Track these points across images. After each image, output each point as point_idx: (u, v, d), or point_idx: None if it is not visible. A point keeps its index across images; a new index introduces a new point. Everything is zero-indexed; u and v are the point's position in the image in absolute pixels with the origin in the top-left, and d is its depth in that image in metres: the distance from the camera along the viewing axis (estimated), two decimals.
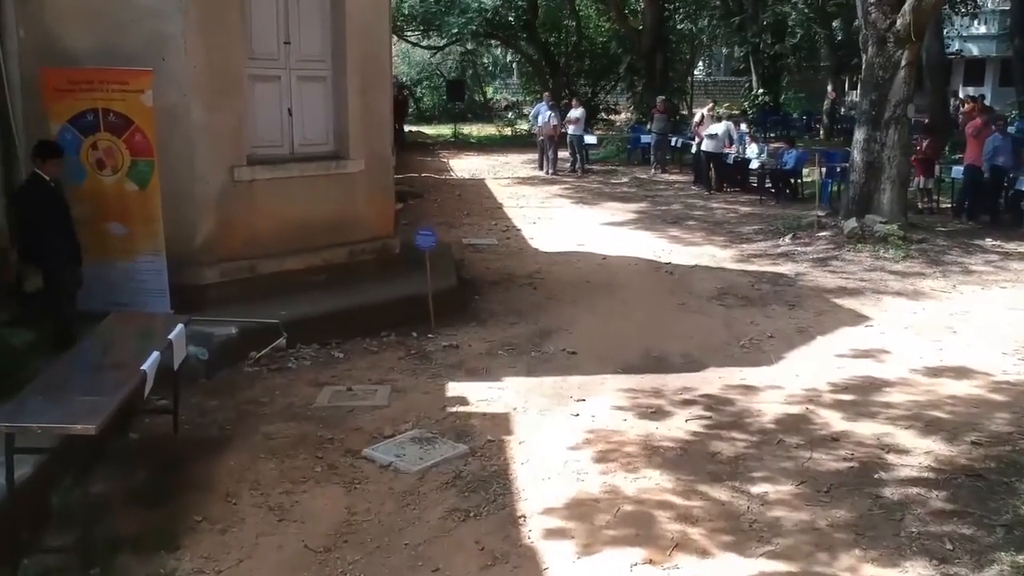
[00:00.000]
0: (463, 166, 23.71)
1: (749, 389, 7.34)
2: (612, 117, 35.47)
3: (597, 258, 12.43)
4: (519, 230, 14.48)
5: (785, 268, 11.75)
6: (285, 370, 7.68)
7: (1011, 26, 31.03)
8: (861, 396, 7.21)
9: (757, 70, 34.14)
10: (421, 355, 8.15)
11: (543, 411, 6.89)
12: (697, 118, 19.61)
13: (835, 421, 6.68)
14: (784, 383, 7.49)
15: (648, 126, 24.68)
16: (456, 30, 28.32)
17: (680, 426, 6.57)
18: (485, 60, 46.05)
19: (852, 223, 12.79)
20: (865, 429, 6.52)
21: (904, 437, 6.38)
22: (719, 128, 18.38)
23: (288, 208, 8.65)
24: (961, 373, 7.76)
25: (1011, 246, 12.89)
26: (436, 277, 9.29)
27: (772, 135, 25.28)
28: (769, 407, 6.95)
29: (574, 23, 33.05)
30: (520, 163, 24.41)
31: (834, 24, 32.55)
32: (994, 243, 13.00)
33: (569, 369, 7.86)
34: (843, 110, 32.78)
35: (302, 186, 8.77)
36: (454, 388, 7.34)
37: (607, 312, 9.70)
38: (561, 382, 7.52)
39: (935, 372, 7.79)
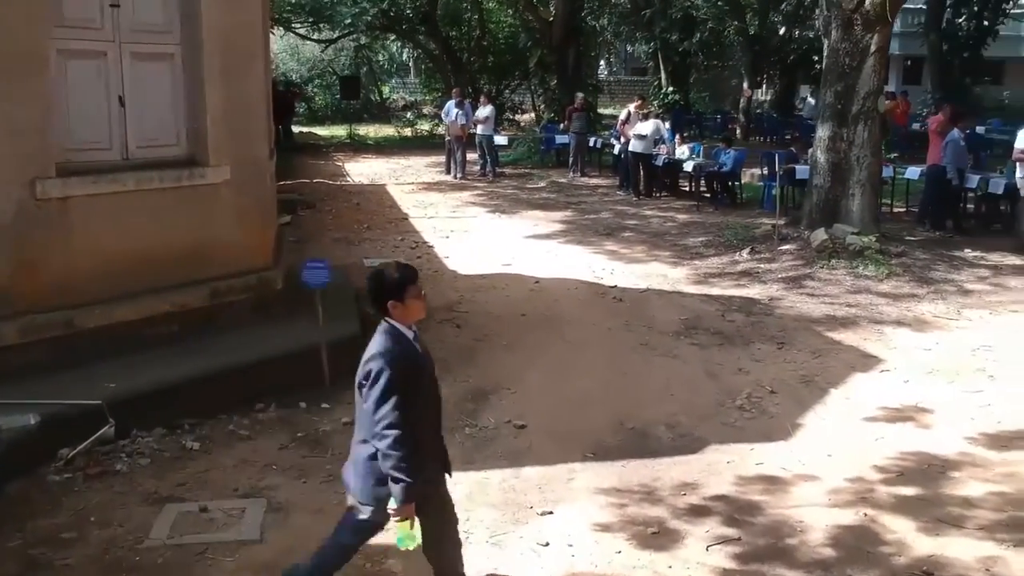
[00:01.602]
0: (361, 170, 21.26)
1: (774, 483, 5.29)
2: (518, 117, 33.54)
3: (528, 282, 10.29)
4: (431, 247, 12.22)
5: (754, 291, 9.84)
6: (112, 475, 5.27)
7: (925, 24, 30.34)
8: (927, 488, 5.25)
9: (666, 68, 32.67)
10: (313, 440, 5.85)
11: (495, 537, 4.71)
12: (623, 116, 17.67)
13: (912, 537, 4.69)
14: (816, 469, 5.48)
15: (561, 125, 22.81)
16: (349, 21, 25.80)
17: (701, 559, 4.46)
18: (381, 57, 43.56)
19: (821, 235, 10.98)
20: (960, 549, 4.54)
21: (1019, 561, 4.43)
22: (648, 127, 16.47)
23: (120, 236, 6.23)
24: None
25: (995, 258, 11.30)
26: (333, 321, 7.01)
27: (685, 135, 23.64)
28: (812, 514, 4.92)
29: (476, 16, 30.92)
30: (424, 166, 22.10)
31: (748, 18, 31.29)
32: (975, 254, 11.39)
33: (521, 455, 5.68)
34: (759, 109, 31.57)
35: (141, 204, 6.35)
36: None
37: (556, 360, 7.56)
38: (513, 478, 5.35)
39: (1000, 442, 5.91)
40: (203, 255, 6.64)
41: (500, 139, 21.24)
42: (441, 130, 21.36)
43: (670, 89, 31.73)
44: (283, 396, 6.32)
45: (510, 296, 9.64)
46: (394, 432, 3.48)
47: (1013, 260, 11.16)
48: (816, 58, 36.51)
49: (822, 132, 11.64)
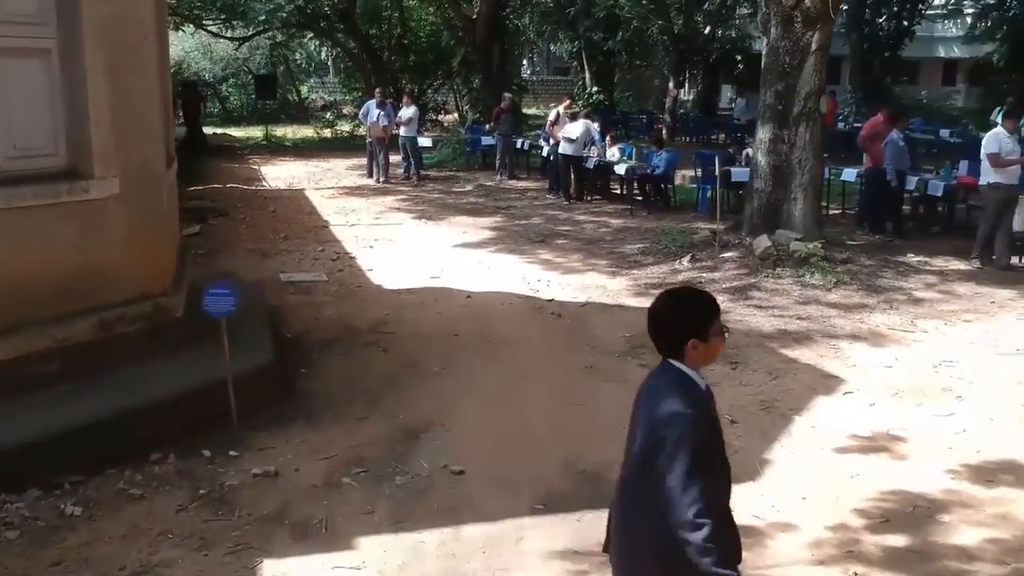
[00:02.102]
0: (278, 174, 20.25)
1: (749, 534, 4.65)
2: (441, 117, 32.74)
3: (460, 296, 9.57)
4: (353, 258, 11.39)
5: None
6: None
7: (847, 24, 30.51)
8: (916, 536, 4.70)
9: (590, 67, 32.30)
10: (217, 498, 5.02)
11: None
12: (552, 117, 17.06)
13: None
14: (793, 515, 4.89)
15: (488, 126, 22.14)
16: (263, 18, 24.65)
17: None
18: (299, 56, 42.30)
19: (764, 241, 10.50)
20: None
21: None
22: (578, 128, 15.89)
23: None
24: (1017, 472, 5.43)
25: (938, 262, 11.00)
26: (242, 349, 6.20)
27: (614, 134, 23.17)
28: (796, 574, 4.31)
29: (397, 14, 30.01)
30: (345, 169, 21.18)
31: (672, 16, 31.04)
32: (919, 259, 11.07)
33: (460, 510, 4.96)
34: (682, 109, 31.35)
35: (13, 225, 5.44)
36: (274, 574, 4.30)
37: (494, 388, 6.86)
38: (452, 540, 4.63)
39: (984, 475, 5.41)
40: (88, 281, 5.75)
41: (424, 141, 20.46)
42: (362, 131, 20.45)
43: (595, 89, 31.37)
44: (183, 443, 5.48)
45: (441, 313, 8.91)
46: (707, 521, 2.64)
47: (957, 265, 10.87)
48: (739, 58, 36.83)
49: (762, 134, 11.17)
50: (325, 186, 18.31)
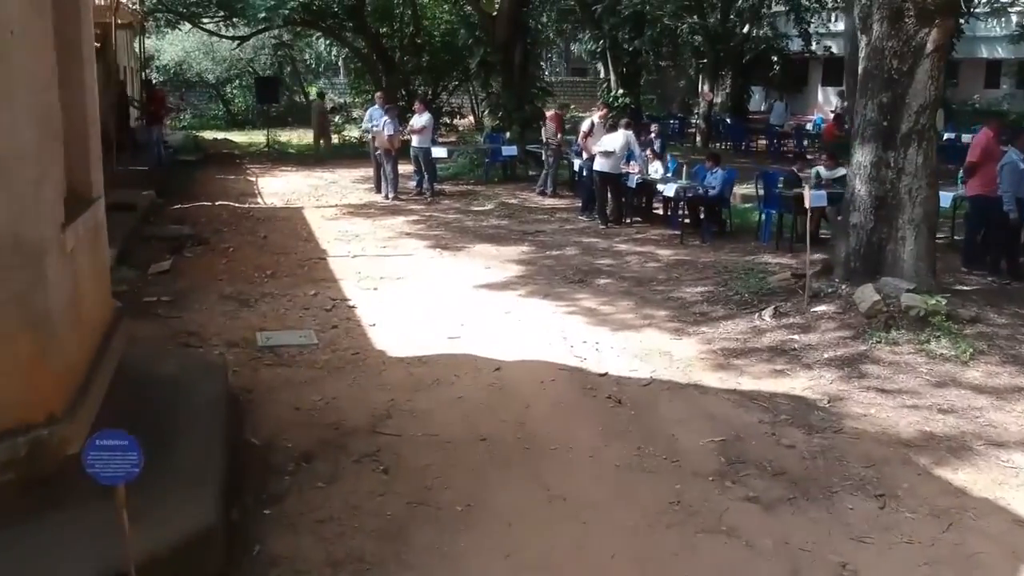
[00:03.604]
0: (276, 188, 18.16)
1: None
2: (456, 121, 30.63)
3: (486, 368, 7.41)
4: (352, 307, 9.25)
5: (800, 383, 7.10)
6: None
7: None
8: None
9: (615, 68, 30.01)
10: None
11: None
12: (585, 127, 14.86)
13: None
14: None
15: (507, 135, 20.03)
16: (264, 15, 22.53)
17: None
18: (307, 56, 40.24)
19: (871, 294, 8.30)
20: None
21: None
22: (617, 141, 13.70)
23: None
24: None
25: None
26: (167, 505, 4.08)
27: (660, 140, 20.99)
28: None
29: (410, 11, 27.88)
30: (351, 182, 19.11)
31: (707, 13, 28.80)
32: None
33: None
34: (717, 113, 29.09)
35: None
36: None
37: (543, 548, 4.69)
38: None
39: None
40: None
41: (439, 151, 18.33)
42: (367, 139, 18.33)
43: (620, 91, 29.09)
44: None
45: (463, 398, 6.74)
46: None
47: None
48: (775, 59, 34.54)
49: (861, 156, 8.96)
50: (327, 203, 16.21)
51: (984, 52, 39.34)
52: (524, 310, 9.24)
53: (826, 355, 7.63)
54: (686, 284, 10.26)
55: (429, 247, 12.49)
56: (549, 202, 16.49)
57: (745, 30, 28.90)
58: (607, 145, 13.67)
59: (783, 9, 31.17)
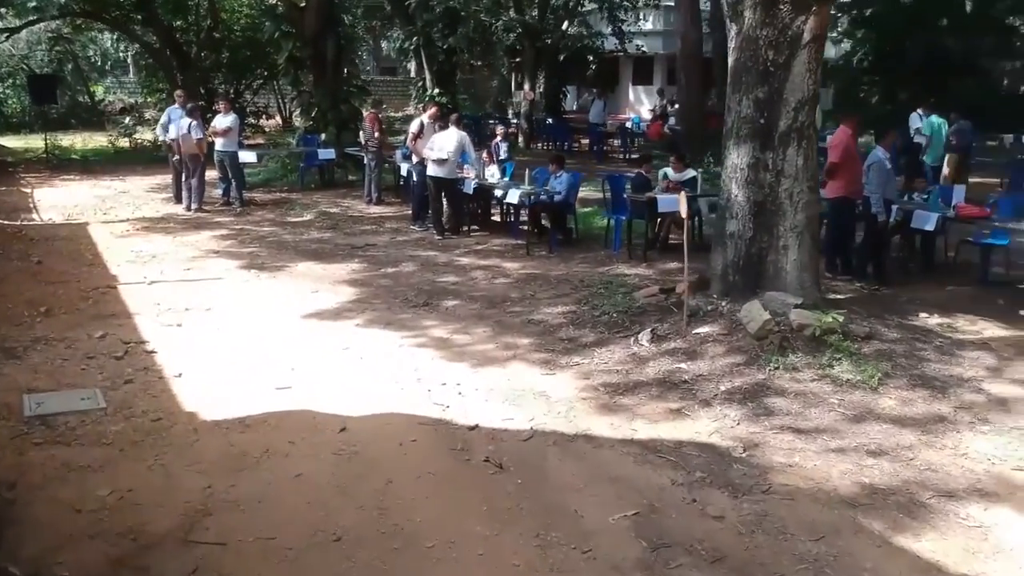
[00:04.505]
0: (56, 200, 15.74)
1: None
2: (263, 122, 28.50)
3: (328, 428, 5.95)
4: (151, 352, 7.50)
5: (703, 423, 6.07)
6: None
7: (711, 21, 28.27)
8: None
9: (430, 66, 28.73)
10: None
11: None
12: (414, 128, 13.46)
13: None
14: None
15: (322, 137, 18.38)
16: (34, 4, 19.73)
17: None
18: (91, 52, 36.57)
19: (759, 312, 7.40)
20: None
21: None
22: (450, 142, 12.40)
23: None
24: None
25: (964, 323, 8.34)
26: None
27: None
28: None
29: (206, 3, 25.52)
30: (145, 192, 16.93)
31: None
32: (940, 321, 8.36)
33: None
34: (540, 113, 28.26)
35: None
36: None
37: None
38: None
39: None
40: None
41: (247, 156, 16.49)
42: (165, 143, 16.22)
43: (436, 91, 27.81)
44: None
45: (303, 476, 5.26)
46: None
47: (994, 329, 8.17)
48: (591, 57, 34.28)
49: (737, 158, 8.07)
50: (117, 217, 14.09)
51: None
52: (365, 344, 7.80)
53: (723, 387, 6.64)
54: (544, 303, 9.11)
55: (243, 268, 10.77)
56: (375, 210, 15.03)
57: (564, 26, 28.27)
58: (440, 149, 12.33)
59: (595, 7, 30.87)
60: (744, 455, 5.58)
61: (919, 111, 16.19)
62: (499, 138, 15.80)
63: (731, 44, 8.24)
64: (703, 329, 7.64)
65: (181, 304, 8.99)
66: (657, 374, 6.98)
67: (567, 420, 6.17)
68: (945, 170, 14.88)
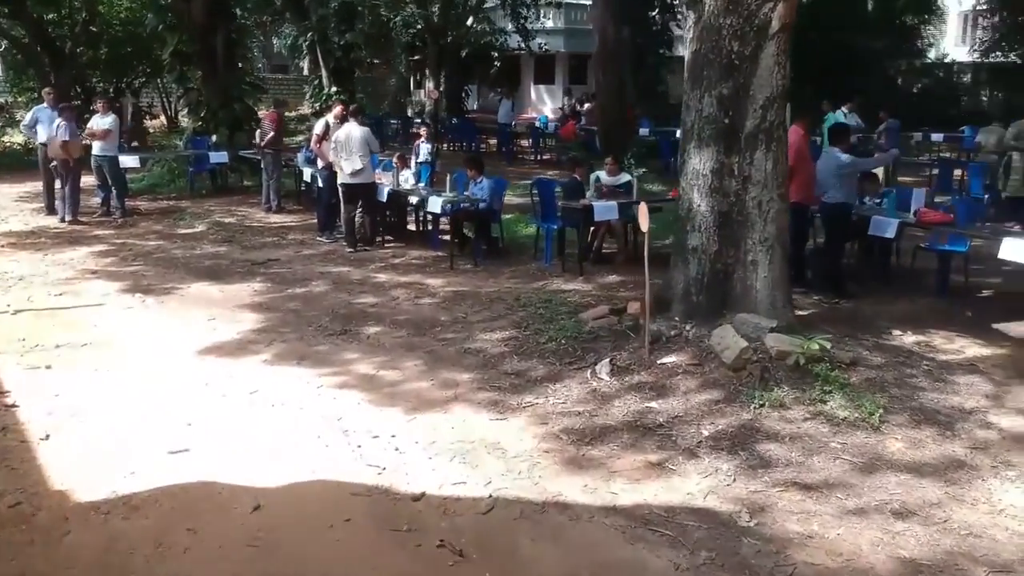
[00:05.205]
0: None
1: None
2: (146, 123, 26.53)
3: (239, 506, 4.76)
4: (12, 407, 6.13)
5: (693, 481, 5.11)
6: None
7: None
8: None
9: (326, 64, 27.28)
10: None
11: None
12: (319, 129, 12.18)
13: None
14: None
15: (212, 139, 16.87)
16: None
17: None
18: None
19: (734, 339, 6.51)
20: None
21: None
22: (354, 141, 11.13)
23: None
24: None
25: (939, 341, 7.63)
26: None
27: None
28: None
29: None
30: (13, 201, 15.16)
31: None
32: (916, 339, 7.63)
33: None
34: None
35: None
36: None
37: None
38: None
39: None
40: None
41: (129, 160, 14.89)
42: (33, 145, 14.52)
43: (334, 89, 26.41)
44: None
45: None
46: None
47: (975, 348, 7.48)
48: (495, 55, 33.31)
49: (699, 162, 7.16)
50: None
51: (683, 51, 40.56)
52: (276, 386, 6.58)
53: (705, 431, 5.70)
54: (479, 328, 8.04)
55: (125, 291, 9.37)
56: (276, 219, 13.69)
57: (469, 23, 27.22)
58: (348, 153, 11.09)
59: (497, 3, 29.94)
60: (752, 524, 4.64)
61: (843, 108, 15.73)
62: (423, 138, 14.61)
63: (689, 34, 7.34)
64: (669, 359, 6.70)
65: (51, 339, 7.59)
66: (625, 416, 5.99)
67: (531, 482, 5.11)
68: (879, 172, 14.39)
